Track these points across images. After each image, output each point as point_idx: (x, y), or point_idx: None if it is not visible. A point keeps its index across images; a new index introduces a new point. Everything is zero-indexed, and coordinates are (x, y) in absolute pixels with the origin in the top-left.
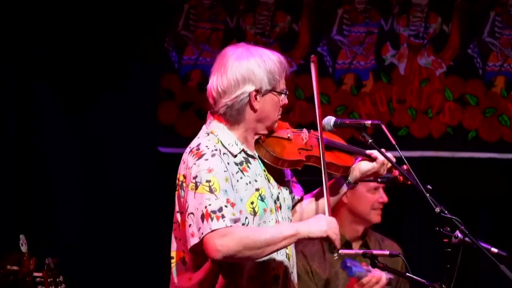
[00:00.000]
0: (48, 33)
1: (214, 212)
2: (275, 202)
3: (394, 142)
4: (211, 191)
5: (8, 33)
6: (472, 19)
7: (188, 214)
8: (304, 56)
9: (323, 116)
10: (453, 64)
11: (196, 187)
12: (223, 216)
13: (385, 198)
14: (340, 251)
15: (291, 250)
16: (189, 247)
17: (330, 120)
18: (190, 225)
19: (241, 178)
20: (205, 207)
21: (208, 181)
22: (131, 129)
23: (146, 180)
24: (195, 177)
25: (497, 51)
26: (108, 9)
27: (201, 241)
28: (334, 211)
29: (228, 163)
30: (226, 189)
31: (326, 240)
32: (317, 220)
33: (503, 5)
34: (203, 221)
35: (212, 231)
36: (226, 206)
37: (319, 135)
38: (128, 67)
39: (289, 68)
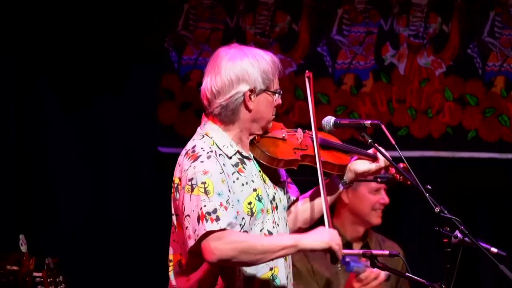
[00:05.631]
0: (49, 33)
1: (208, 213)
2: (271, 202)
3: (394, 142)
4: (205, 192)
5: (8, 33)
6: (472, 19)
7: (185, 216)
8: (304, 56)
9: (322, 116)
10: (453, 64)
11: (192, 189)
12: (217, 219)
13: (386, 200)
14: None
15: None
16: (187, 249)
17: (329, 120)
18: (187, 227)
19: (237, 179)
20: (201, 208)
21: (203, 183)
22: (131, 129)
23: (146, 180)
24: (191, 179)
25: (497, 51)
26: (108, 9)
27: (197, 243)
28: (335, 211)
29: (224, 164)
30: (221, 191)
31: (328, 252)
32: (319, 231)
33: (503, 5)
34: (198, 223)
35: (207, 232)
36: (219, 209)
37: (314, 136)
38: (128, 67)
39: (282, 68)
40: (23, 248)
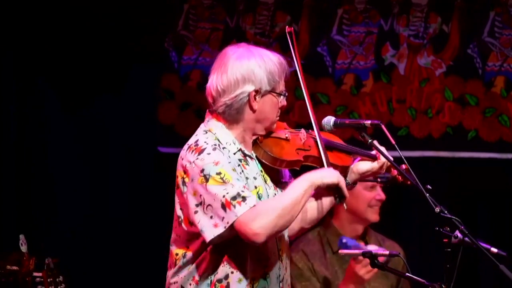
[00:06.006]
0: (49, 33)
1: (234, 198)
2: None
3: (393, 142)
4: (224, 182)
5: (9, 33)
6: (472, 19)
7: (207, 207)
8: (304, 56)
9: (322, 116)
10: (453, 64)
11: (207, 180)
12: (244, 200)
13: (382, 196)
14: (340, 251)
15: (284, 252)
16: (208, 238)
17: (330, 120)
18: (211, 216)
19: (242, 171)
20: (223, 196)
21: (218, 174)
22: (131, 129)
23: (146, 180)
24: (202, 171)
25: (497, 51)
26: (108, 9)
27: (228, 230)
28: (333, 212)
29: (229, 156)
30: (237, 177)
31: (335, 189)
32: (327, 170)
33: (503, 5)
34: (225, 210)
35: (239, 217)
36: (243, 191)
37: (311, 113)
38: (128, 67)
39: (289, 70)
40: (23, 248)
